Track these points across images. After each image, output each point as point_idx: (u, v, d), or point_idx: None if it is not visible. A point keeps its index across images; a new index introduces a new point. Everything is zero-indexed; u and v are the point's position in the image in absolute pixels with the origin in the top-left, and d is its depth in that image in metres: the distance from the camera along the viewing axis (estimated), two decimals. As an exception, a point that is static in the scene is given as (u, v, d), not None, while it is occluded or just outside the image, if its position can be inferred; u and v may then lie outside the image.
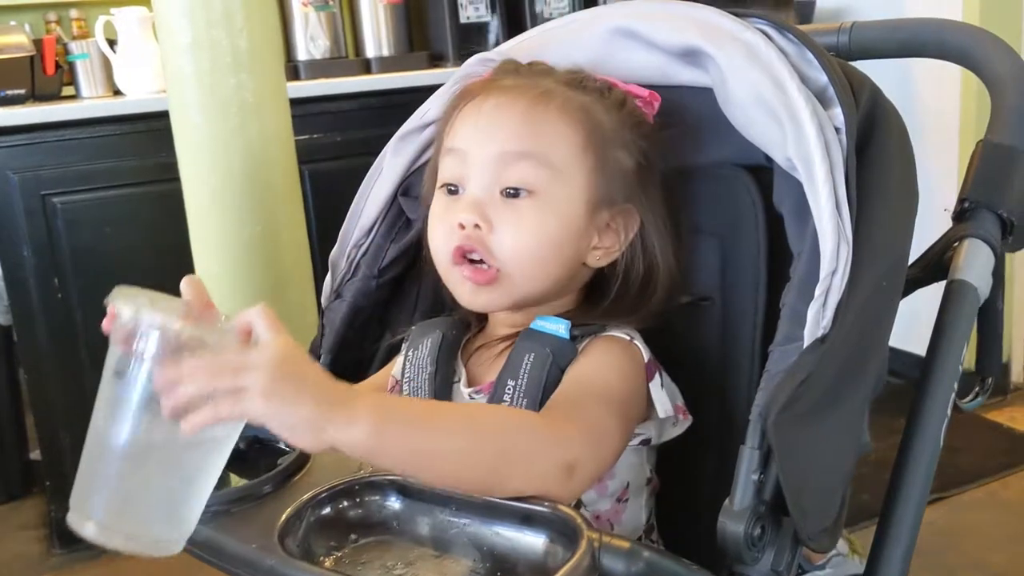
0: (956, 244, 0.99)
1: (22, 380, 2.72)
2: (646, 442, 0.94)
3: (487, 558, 0.80)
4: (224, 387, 0.70)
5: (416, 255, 1.14)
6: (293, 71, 2.89)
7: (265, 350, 0.72)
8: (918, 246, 0.98)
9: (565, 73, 0.97)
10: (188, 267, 1.82)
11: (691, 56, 0.98)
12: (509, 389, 0.91)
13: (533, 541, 0.79)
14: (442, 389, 0.98)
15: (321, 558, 0.82)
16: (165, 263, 2.41)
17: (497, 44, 1.12)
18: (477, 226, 0.92)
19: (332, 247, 1.15)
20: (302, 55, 2.99)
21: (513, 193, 0.92)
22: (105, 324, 0.76)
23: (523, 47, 1.07)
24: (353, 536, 0.84)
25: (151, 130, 2.43)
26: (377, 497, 0.85)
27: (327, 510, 0.84)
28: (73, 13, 2.88)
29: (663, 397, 0.91)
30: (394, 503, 0.85)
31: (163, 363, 0.72)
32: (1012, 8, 2.82)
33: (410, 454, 0.76)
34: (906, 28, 1.14)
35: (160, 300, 0.78)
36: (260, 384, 0.70)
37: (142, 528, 0.76)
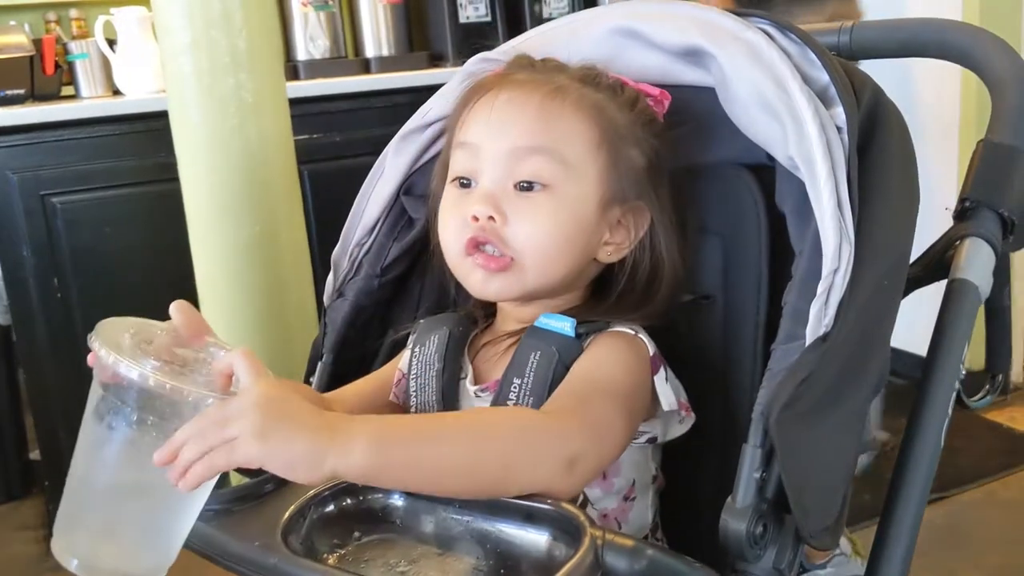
0: (957, 243, 0.99)
1: (21, 380, 2.72)
2: (652, 440, 0.95)
3: (490, 556, 0.80)
4: (216, 441, 0.71)
5: (419, 254, 1.14)
6: (292, 71, 2.90)
7: (248, 395, 0.73)
8: (919, 245, 0.98)
9: (579, 69, 0.98)
10: (187, 267, 1.82)
11: (693, 56, 0.98)
12: (515, 387, 0.91)
13: (536, 539, 0.79)
14: (449, 386, 0.98)
15: (324, 556, 0.82)
16: (164, 263, 2.43)
17: (497, 44, 1.12)
18: (491, 218, 0.92)
19: (332, 247, 1.15)
20: (301, 55, 2.99)
21: (527, 187, 0.93)
22: (89, 359, 0.77)
23: (524, 47, 1.07)
24: (356, 534, 0.84)
25: (150, 130, 2.44)
26: (380, 495, 0.85)
27: (330, 508, 0.84)
28: (73, 13, 2.89)
29: (667, 391, 0.92)
30: (397, 501, 0.85)
31: (144, 425, 0.73)
32: (1012, 8, 2.82)
33: (413, 471, 0.77)
34: (906, 28, 1.14)
35: (145, 330, 0.78)
36: (250, 428, 0.71)
37: (128, 561, 0.77)
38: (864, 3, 1.99)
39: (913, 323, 1.15)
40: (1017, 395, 2.98)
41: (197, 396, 0.74)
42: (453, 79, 1.08)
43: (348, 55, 3.10)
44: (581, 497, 0.91)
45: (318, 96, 2.70)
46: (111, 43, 2.74)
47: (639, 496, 0.96)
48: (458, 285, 1.01)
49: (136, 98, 2.67)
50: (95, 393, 0.76)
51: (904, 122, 0.95)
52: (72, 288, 2.51)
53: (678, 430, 0.95)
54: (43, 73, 2.69)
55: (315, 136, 2.66)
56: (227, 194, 1.76)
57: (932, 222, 1.00)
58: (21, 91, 2.61)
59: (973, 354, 0.97)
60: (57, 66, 2.74)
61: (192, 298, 1.81)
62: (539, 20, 3.02)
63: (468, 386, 0.98)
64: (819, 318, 0.83)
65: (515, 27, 3.02)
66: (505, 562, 0.80)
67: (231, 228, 1.77)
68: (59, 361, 2.51)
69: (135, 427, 0.74)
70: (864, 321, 0.85)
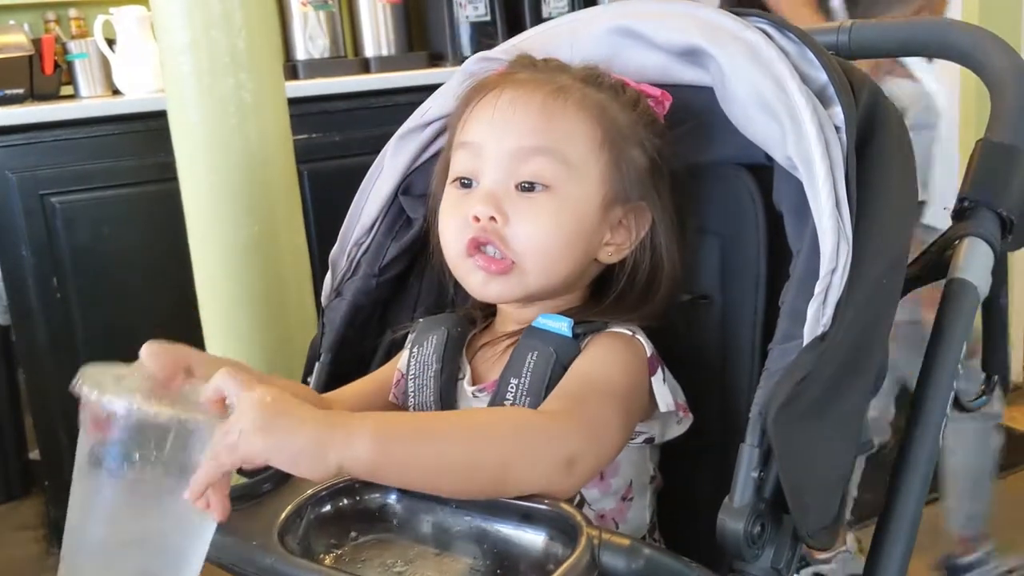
0: (956, 243, 0.99)
1: (21, 380, 2.72)
2: (649, 440, 0.94)
3: (487, 556, 0.80)
4: (221, 444, 0.71)
5: (417, 254, 1.14)
6: (292, 71, 2.90)
7: (246, 398, 0.72)
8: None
9: (580, 69, 0.98)
10: (186, 266, 1.82)
11: (692, 55, 0.98)
12: (512, 387, 0.91)
13: (533, 538, 0.79)
14: (447, 387, 0.98)
15: (321, 556, 0.82)
16: (163, 262, 2.44)
17: (497, 44, 1.12)
18: (493, 219, 0.92)
19: (331, 247, 1.15)
20: (301, 55, 2.99)
21: (528, 187, 0.92)
22: (95, 414, 0.75)
23: (524, 46, 1.07)
24: (353, 534, 0.84)
25: (149, 130, 2.44)
26: (377, 495, 0.85)
27: (327, 508, 0.84)
28: (72, 12, 2.89)
29: (665, 391, 0.91)
30: (394, 501, 0.85)
31: (147, 462, 0.72)
32: (1012, 8, 2.83)
33: (413, 468, 0.76)
34: (906, 27, 1.14)
35: (127, 378, 0.78)
36: (251, 424, 0.70)
37: None
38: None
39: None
40: (1017, 395, 2.98)
41: (203, 422, 0.73)
42: (453, 78, 1.08)
43: (347, 55, 3.10)
44: (578, 497, 0.91)
45: (317, 96, 2.70)
46: (110, 43, 2.74)
47: (637, 496, 0.96)
48: (457, 285, 1.01)
49: (135, 98, 2.68)
50: (85, 443, 0.75)
51: (903, 121, 0.95)
52: (71, 288, 2.51)
53: (676, 431, 0.95)
54: (42, 73, 2.70)
55: (314, 136, 2.66)
56: (226, 194, 1.76)
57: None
58: (20, 91, 2.62)
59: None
60: (56, 66, 2.74)
61: (191, 298, 1.81)
62: (539, 20, 3.02)
63: (466, 387, 0.98)
64: (817, 318, 0.83)
65: (515, 27, 3.02)
66: (502, 562, 0.80)
67: (230, 228, 1.77)
68: (59, 361, 2.51)
69: (138, 466, 0.73)
70: (862, 321, 0.85)
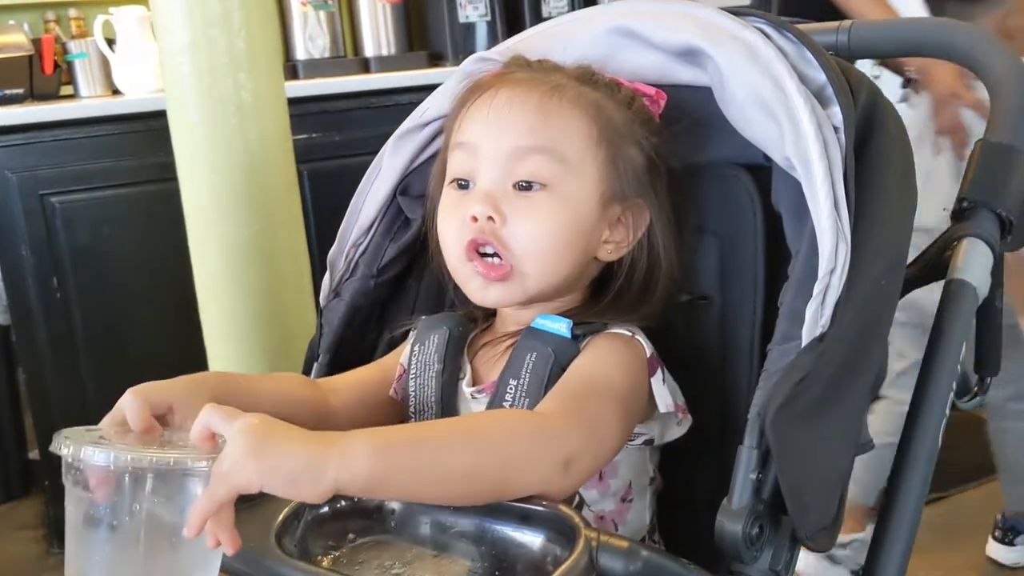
0: (955, 243, 0.99)
1: (21, 380, 2.72)
2: (649, 442, 0.94)
3: (485, 557, 0.80)
4: (214, 476, 0.70)
5: (415, 254, 1.14)
6: (292, 70, 2.90)
7: (234, 429, 0.71)
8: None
9: (575, 69, 0.98)
10: (186, 266, 1.82)
11: (690, 55, 0.98)
12: (511, 388, 0.91)
13: (531, 540, 0.79)
14: (448, 386, 0.98)
15: (318, 558, 0.82)
16: (163, 262, 2.43)
17: (497, 44, 1.12)
18: (491, 219, 0.91)
19: (330, 247, 1.15)
20: (301, 54, 2.99)
21: (526, 186, 0.92)
22: (93, 480, 0.73)
23: (521, 46, 1.07)
24: (351, 536, 0.84)
25: (149, 130, 2.44)
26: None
27: (324, 510, 0.84)
28: (72, 12, 2.89)
29: (664, 392, 0.91)
30: (392, 503, 0.85)
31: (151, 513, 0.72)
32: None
33: (414, 477, 0.75)
34: (906, 27, 1.14)
35: (107, 436, 0.77)
36: (242, 450, 0.69)
37: None
38: None
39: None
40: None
41: (197, 460, 0.72)
42: (450, 79, 1.08)
43: (347, 55, 3.10)
44: (577, 498, 0.91)
45: (317, 96, 2.70)
46: (110, 43, 2.74)
47: (636, 498, 0.96)
48: (455, 286, 1.01)
49: (135, 98, 2.68)
50: (80, 502, 0.73)
51: (901, 122, 0.95)
52: (71, 288, 2.51)
53: (675, 432, 0.94)
54: (42, 72, 2.70)
55: (314, 136, 2.66)
56: (226, 194, 1.76)
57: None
58: (20, 91, 2.62)
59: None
60: (56, 65, 2.74)
61: (191, 298, 1.81)
62: (539, 20, 3.02)
63: (464, 388, 0.98)
64: (815, 319, 0.83)
65: (515, 27, 3.02)
66: (500, 564, 0.80)
67: (230, 228, 1.77)
68: (59, 361, 2.51)
69: (139, 517, 0.72)
70: (861, 321, 0.85)
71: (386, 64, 3.00)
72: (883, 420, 1.77)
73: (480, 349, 1.01)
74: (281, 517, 0.80)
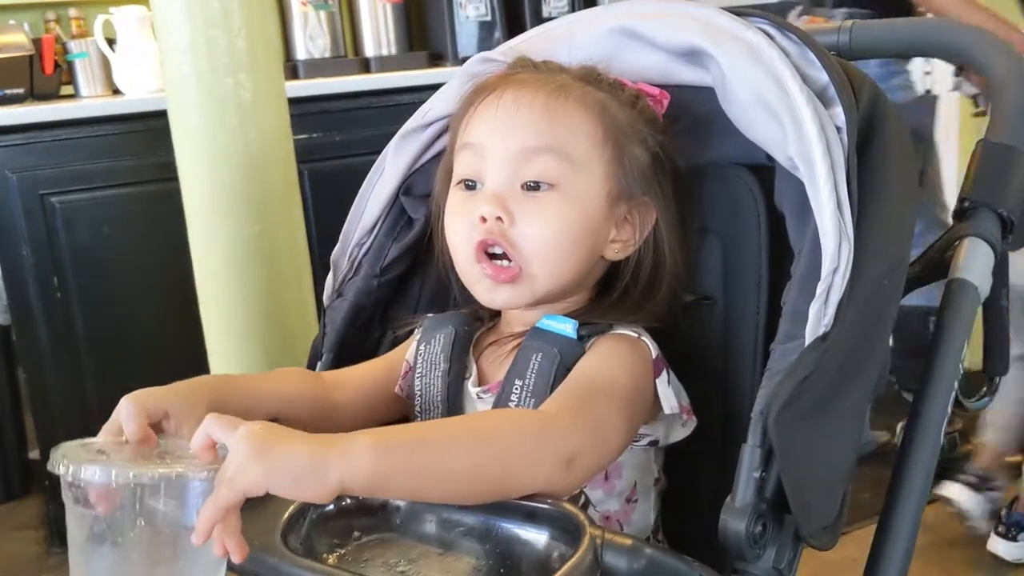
0: (956, 243, 0.99)
1: (21, 379, 2.72)
2: (654, 443, 0.95)
3: (490, 555, 0.80)
4: (219, 481, 0.70)
5: (418, 254, 1.14)
6: (292, 70, 2.90)
7: (236, 435, 0.71)
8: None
9: (579, 69, 0.98)
10: (186, 266, 1.82)
11: (692, 56, 0.99)
12: (517, 389, 0.91)
13: (536, 538, 0.79)
14: (454, 386, 0.98)
15: (324, 556, 0.82)
16: (163, 262, 2.44)
17: (497, 45, 1.12)
18: (499, 219, 0.92)
19: (331, 247, 1.15)
20: (301, 54, 2.99)
21: (533, 186, 0.93)
22: (96, 495, 0.72)
23: (524, 47, 1.07)
24: (356, 533, 0.84)
25: (149, 129, 2.44)
26: (379, 494, 0.85)
27: (329, 508, 0.84)
28: (72, 12, 2.89)
29: (669, 393, 0.92)
30: (397, 500, 0.85)
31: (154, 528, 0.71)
32: (1012, 8, 2.82)
33: (417, 478, 0.75)
34: (906, 28, 1.14)
35: (106, 450, 0.77)
36: (245, 454, 0.69)
37: None
38: None
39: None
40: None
41: (200, 471, 0.72)
42: (454, 79, 1.08)
43: (348, 54, 3.10)
44: (583, 498, 0.91)
45: (318, 96, 2.70)
46: (110, 42, 2.74)
47: (641, 498, 0.96)
48: (459, 285, 1.01)
49: (135, 97, 2.68)
50: (83, 519, 0.73)
51: (903, 122, 0.95)
52: (72, 288, 2.51)
53: (680, 433, 0.95)
54: (42, 72, 2.69)
55: (315, 136, 2.66)
56: (226, 194, 1.76)
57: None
58: (20, 90, 2.61)
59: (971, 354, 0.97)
60: (56, 65, 2.74)
61: (191, 298, 1.81)
62: (539, 20, 3.02)
63: (470, 388, 0.98)
64: (819, 318, 0.83)
65: (515, 27, 3.02)
66: (505, 561, 0.80)
67: (230, 228, 1.77)
68: (59, 361, 2.51)
69: (144, 531, 0.72)
70: (864, 321, 0.85)
71: (386, 64, 3.00)
72: None
73: (486, 349, 1.01)
74: (286, 515, 0.80)
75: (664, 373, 0.92)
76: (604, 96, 0.95)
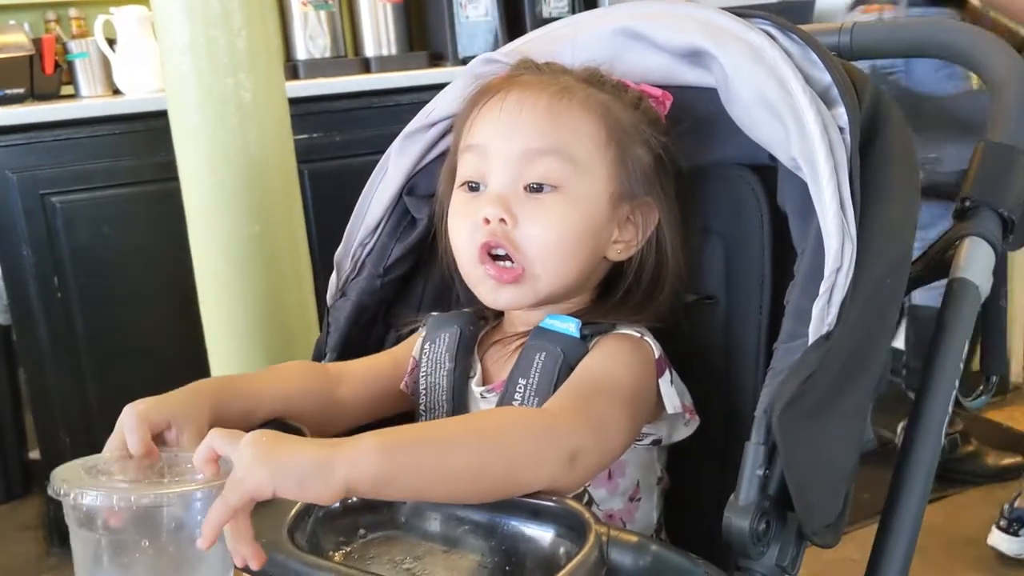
0: (957, 243, 1.00)
1: (21, 379, 2.72)
2: (656, 442, 0.95)
3: (495, 552, 0.81)
4: (228, 484, 0.70)
5: (421, 254, 1.14)
6: (292, 70, 2.90)
7: (242, 444, 0.72)
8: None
9: (582, 71, 0.98)
10: (187, 266, 1.82)
11: (695, 57, 0.99)
12: (520, 388, 0.91)
13: (541, 535, 0.79)
14: (459, 385, 0.99)
15: (330, 553, 0.82)
16: (164, 262, 2.43)
17: (497, 45, 1.12)
18: (503, 220, 0.92)
19: (332, 247, 1.16)
20: (301, 54, 2.99)
21: (536, 188, 0.93)
22: (108, 518, 0.73)
23: (527, 48, 1.07)
24: (361, 531, 0.85)
25: (150, 129, 2.44)
26: (384, 492, 0.85)
27: (335, 506, 0.84)
28: (72, 12, 2.89)
29: (672, 393, 0.92)
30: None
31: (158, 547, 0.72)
32: (1010, 8, 2.82)
33: (422, 475, 0.76)
34: (907, 28, 1.15)
35: (108, 469, 0.77)
36: (253, 458, 0.70)
37: None
38: None
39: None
40: (1017, 395, 2.98)
41: (205, 488, 0.72)
42: (457, 80, 1.08)
43: (348, 54, 3.10)
44: (587, 497, 0.92)
45: (318, 96, 2.70)
46: (111, 42, 2.74)
47: (644, 497, 0.96)
48: (462, 285, 1.02)
49: (136, 97, 2.67)
50: (87, 543, 0.73)
51: (905, 123, 0.96)
52: (72, 288, 2.51)
53: (683, 433, 0.95)
54: (43, 72, 2.69)
55: (315, 136, 2.66)
56: (226, 194, 1.76)
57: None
58: (21, 90, 2.61)
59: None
60: (57, 65, 2.73)
61: (192, 298, 1.81)
62: (539, 20, 3.02)
63: (474, 387, 0.99)
64: (822, 317, 0.83)
65: (515, 27, 3.02)
66: (510, 559, 0.80)
67: (230, 228, 1.77)
68: (59, 361, 2.51)
69: (150, 551, 0.72)
70: (866, 320, 0.86)
71: (387, 64, 3.00)
72: None
73: (490, 348, 1.01)
74: (293, 513, 0.81)
75: (667, 373, 0.93)
76: (607, 98, 0.96)
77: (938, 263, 1.01)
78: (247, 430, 0.73)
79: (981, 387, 1.05)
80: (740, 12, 0.99)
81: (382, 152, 1.15)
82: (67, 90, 2.81)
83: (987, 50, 1.06)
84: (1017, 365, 3.02)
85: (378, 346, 1.14)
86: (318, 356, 1.13)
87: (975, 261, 0.98)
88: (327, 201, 2.54)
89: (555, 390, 0.89)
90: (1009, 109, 1.02)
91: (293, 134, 1.85)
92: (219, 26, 1.69)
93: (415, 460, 0.75)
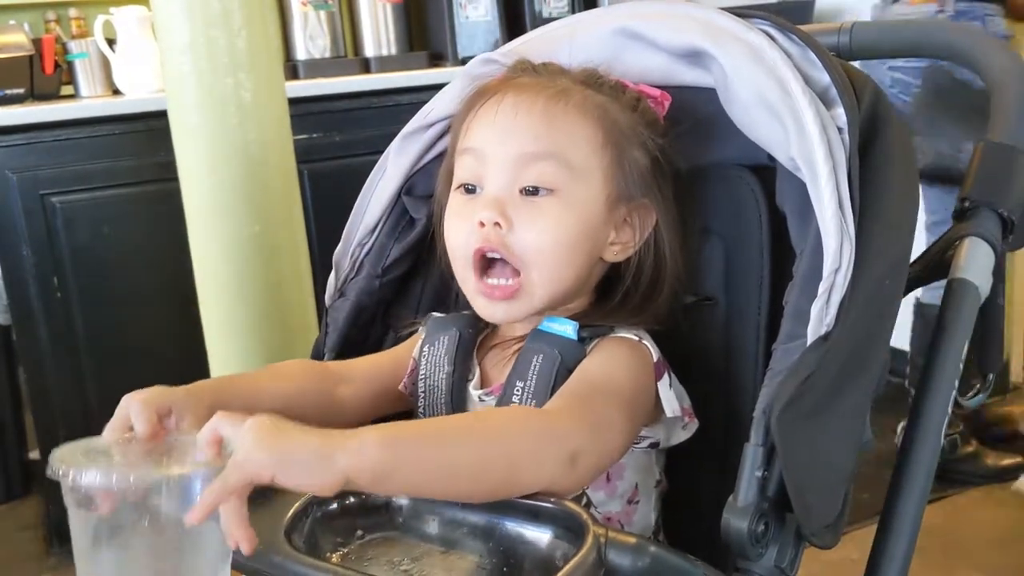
0: (957, 243, 1.00)
1: (21, 379, 2.72)
2: (655, 445, 0.95)
3: (493, 553, 0.81)
4: (228, 466, 0.70)
5: (420, 254, 1.14)
6: (292, 70, 2.90)
7: (245, 427, 0.72)
8: (918, 246, 0.98)
9: (580, 72, 0.98)
10: (186, 266, 1.82)
11: (694, 57, 0.99)
12: (518, 390, 0.91)
13: (539, 536, 0.79)
14: (458, 388, 0.99)
15: (328, 554, 0.82)
16: (163, 262, 2.44)
17: (497, 45, 1.12)
18: (497, 224, 0.92)
19: (331, 247, 1.16)
20: (301, 54, 2.99)
21: (532, 191, 0.93)
22: (109, 499, 0.72)
23: (526, 48, 1.07)
24: (359, 532, 0.85)
25: (150, 129, 2.44)
26: (383, 493, 0.85)
27: (333, 506, 0.84)
28: (72, 12, 2.89)
29: (671, 396, 0.92)
30: (400, 499, 0.85)
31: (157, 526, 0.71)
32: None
33: (422, 471, 0.76)
34: (907, 28, 1.14)
35: (108, 450, 0.77)
36: (255, 441, 0.70)
37: None
38: None
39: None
40: (1016, 394, 2.99)
41: (206, 469, 0.72)
42: (455, 80, 1.08)
43: (348, 55, 3.10)
44: (585, 499, 0.91)
45: (318, 96, 2.70)
46: (111, 42, 2.74)
47: (642, 500, 0.96)
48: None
49: (135, 97, 2.67)
50: (86, 523, 0.72)
51: (904, 123, 0.96)
52: (72, 288, 2.51)
53: (681, 436, 0.95)
54: (42, 72, 2.69)
55: (315, 136, 2.66)
56: (226, 194, 1.76)
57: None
58: (20, 90, 2.61)
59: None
60: (56, 65, 2.74)
61: (192, 298, 1.81)
62: (539, 20, 3.02)
63: (472, 391, 0.99)
64: (820, 318, 0.83)
65: (515, 27, 3.02)
66: (508, 560, 0.80)
67: (230, 228, 1.77)
68: (59, 361, 2.51)
69: (149, 532, 0.72)
70: (865, 320, 0.86)
71: (386, 64, 3.00)
72: None
73: (489, 351, 1.01)
74: (290, 514, 0.81)
75: (665, 376, 0.92)
76: (605, 100, 0.95)
77: (938, 263, 1.01)
78: None
79: (978, 385, 1.05)
80: (739, 12, 0.99)
81: (381, 152, 1.15)
82: (67, 90, 2.81)
83: (987, 50, 1.06)
84: (1016, 365, 3.02)
85: (377, 346, 1.14)
86: (317, 356, 1.12)
87: (975, 261, 0.98)
88: (327, 201, 2.54)
89: (552, 392, 0.89)
90: (1009, 109, 1.02)
91: (293, 134, 1.85)
92: (219, 26, 1.69)
93: (416, 454, 0.76)
